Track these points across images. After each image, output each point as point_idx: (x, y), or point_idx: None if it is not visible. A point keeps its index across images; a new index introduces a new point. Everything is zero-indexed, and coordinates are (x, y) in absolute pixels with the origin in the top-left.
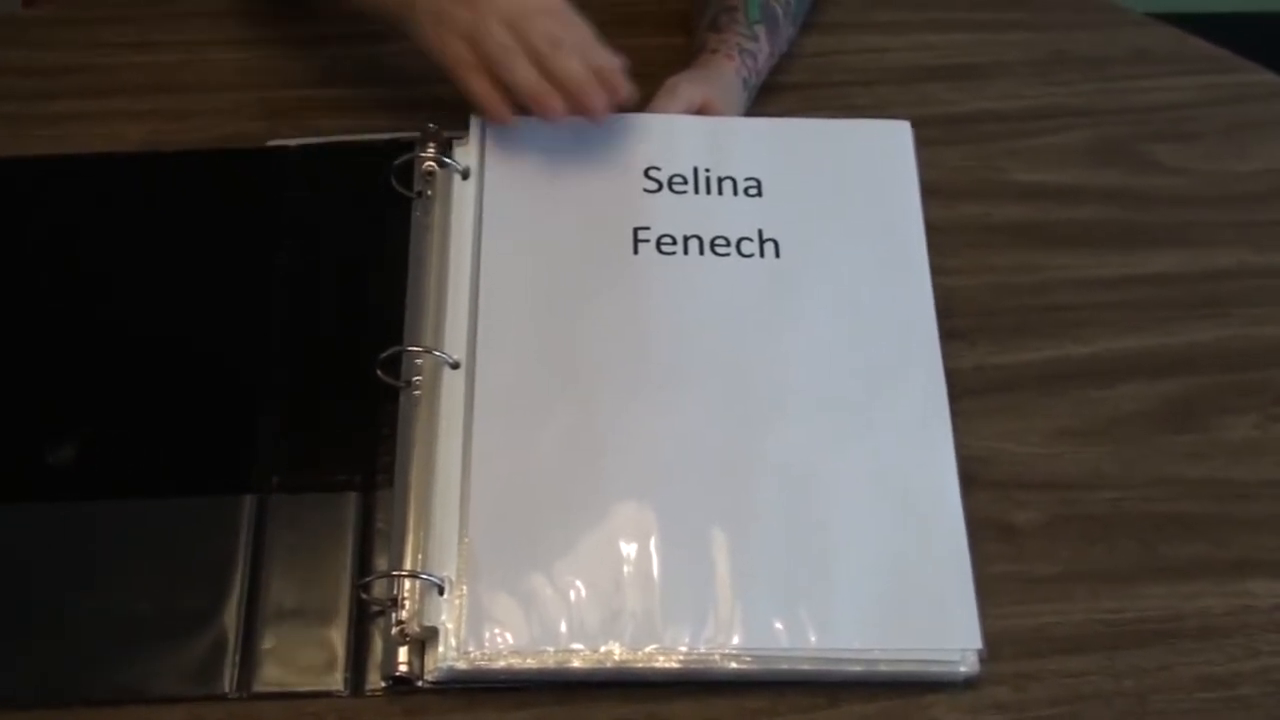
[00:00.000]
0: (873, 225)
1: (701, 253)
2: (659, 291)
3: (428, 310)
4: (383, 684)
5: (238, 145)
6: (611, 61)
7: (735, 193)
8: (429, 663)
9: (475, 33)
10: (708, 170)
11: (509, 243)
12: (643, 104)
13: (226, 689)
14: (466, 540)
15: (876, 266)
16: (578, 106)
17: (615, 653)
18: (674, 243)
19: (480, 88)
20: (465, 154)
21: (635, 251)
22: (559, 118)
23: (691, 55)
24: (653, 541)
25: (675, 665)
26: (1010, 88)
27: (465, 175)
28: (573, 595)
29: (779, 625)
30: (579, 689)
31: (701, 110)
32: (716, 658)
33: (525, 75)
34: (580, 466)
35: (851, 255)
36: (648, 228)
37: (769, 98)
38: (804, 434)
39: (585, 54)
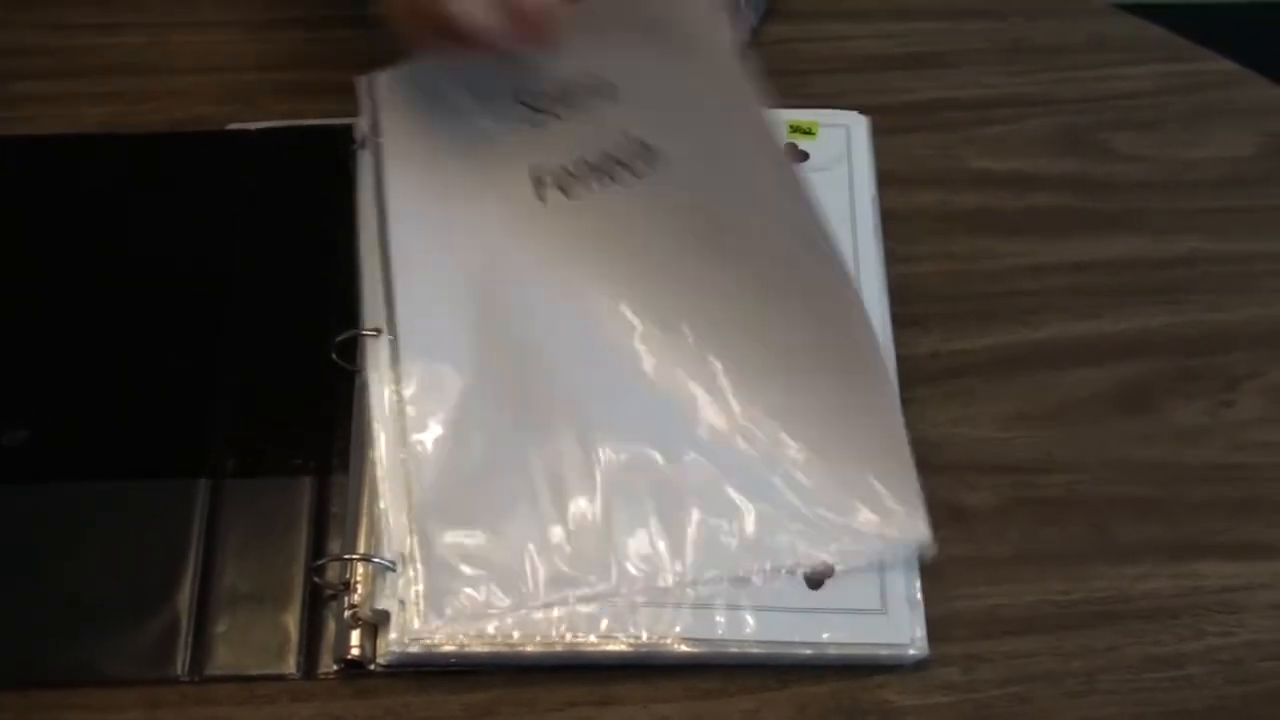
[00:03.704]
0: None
1: (600, 182)
2: (575, 243)
3: (379, 292)
4: (335, 667)
5: (197, 128)
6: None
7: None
8: (381, 646)
9: None
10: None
11: (415, 210)
12: None
13: (179, 672)
14: (413, 519)
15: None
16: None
17: (566, 636)
18: (573, 178)
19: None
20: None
21: (543, 201)
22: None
23: None
24: (601, 516)
25: (626, 649)
26: (971, 76)
27: (361, 144)
28: (525, 565)
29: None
30: (531, 671)
31: None
32: (667, 641)
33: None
34: (518, 442)
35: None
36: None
37: None
38: (742, 411)
39: None
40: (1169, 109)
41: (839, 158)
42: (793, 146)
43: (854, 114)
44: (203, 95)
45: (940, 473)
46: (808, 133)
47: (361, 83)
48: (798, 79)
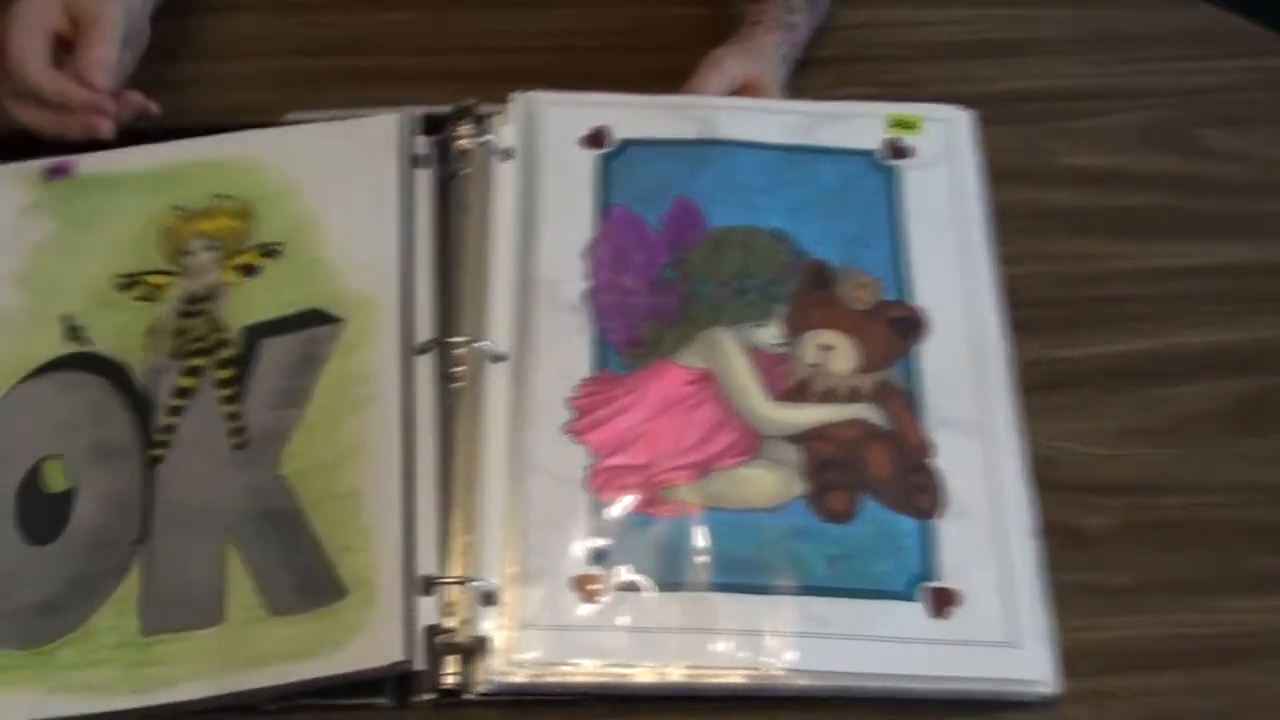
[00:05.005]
0: None
1: None
2: None
3: (467, 299)
4: (429, 696)
5: (246, 115)
6: None
7: None
8: (478, 673)
9: None
10: None
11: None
12: (684, 78)
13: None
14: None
15: None
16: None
17: (678, 667)
18: None
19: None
20: (507, 133)
21: None
22: None
23: (728, 26)
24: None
25: (739, 681)
26: (1051, 66)
27: (507, 155)
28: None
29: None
30: (636, 701)
31: (745, 86)
32: (781, 673)
33: None
34: None
35: None
36: None
37: (802, 72)
38: None
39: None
40: (1259, 105)
41: (943, 154)
42: (894, 142)
43: (957, 109)
44: (251, 81)
45: (1055, 491)
46: (912, 127)
47: (519, 98)
48: (873, 66)
